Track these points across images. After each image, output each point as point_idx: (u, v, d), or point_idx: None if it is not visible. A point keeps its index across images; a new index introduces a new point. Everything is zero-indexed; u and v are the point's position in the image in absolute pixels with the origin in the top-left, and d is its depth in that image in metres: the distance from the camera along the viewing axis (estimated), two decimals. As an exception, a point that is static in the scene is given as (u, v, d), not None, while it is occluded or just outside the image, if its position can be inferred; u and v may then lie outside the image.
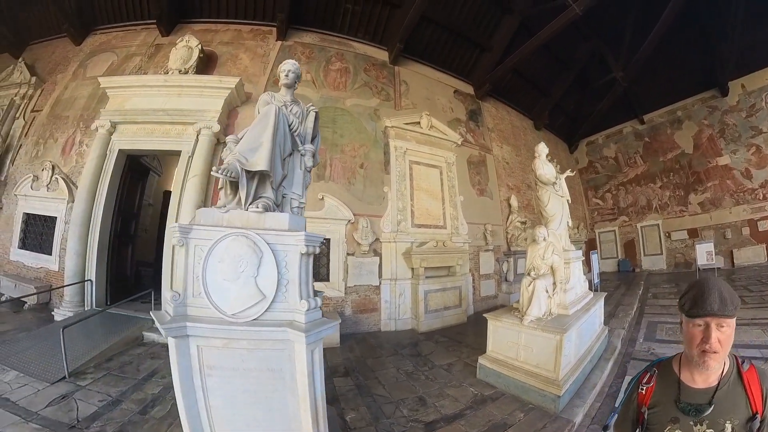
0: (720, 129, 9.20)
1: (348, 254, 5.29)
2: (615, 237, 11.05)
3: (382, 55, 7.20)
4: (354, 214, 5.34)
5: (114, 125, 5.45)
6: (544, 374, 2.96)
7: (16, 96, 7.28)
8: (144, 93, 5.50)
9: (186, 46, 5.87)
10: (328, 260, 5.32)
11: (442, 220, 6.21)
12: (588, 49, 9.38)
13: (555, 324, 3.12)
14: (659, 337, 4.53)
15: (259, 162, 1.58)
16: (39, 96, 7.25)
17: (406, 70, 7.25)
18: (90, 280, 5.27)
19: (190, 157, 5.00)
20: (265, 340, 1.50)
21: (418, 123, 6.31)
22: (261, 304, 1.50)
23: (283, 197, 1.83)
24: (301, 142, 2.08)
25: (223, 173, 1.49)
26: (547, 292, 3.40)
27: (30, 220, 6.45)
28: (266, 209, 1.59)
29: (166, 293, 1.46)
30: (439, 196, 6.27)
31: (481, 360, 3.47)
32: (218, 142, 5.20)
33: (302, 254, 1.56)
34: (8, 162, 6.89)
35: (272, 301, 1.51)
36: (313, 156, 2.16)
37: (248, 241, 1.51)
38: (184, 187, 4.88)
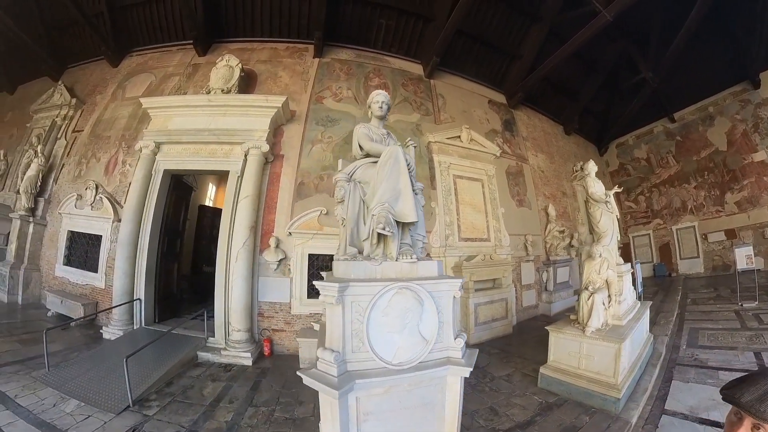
0: (753, 123, 8.89)
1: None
2: (649, 241, 10.69)
3: (417, 69, 7.26)
4: None
5: (158, 145, 5.53)
6: (605, 380, 3.22)
7: (57, 117, 7.55)
8: (187, 113, 5.59)
9: (227, 65, 5.99)
10: None
11: (486, 233, 6.16)
12: (615, 51, 9.26)
13: (613, 334, 3.40)
14: (702, 344, 4.56)
15: (409, 213, 1.59)
16: (79, 117, 7.48)
17: (441, 83, 7.28)
18: (139, 299, 5.32)
19: (239, 177, 5.05)
20: (425, 379, 1.55)
21: (459, 137, 6.33)
22: (424, 348, 1.54)
23: (410, 237, 1.82)
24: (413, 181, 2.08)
25: (388, 230, 1.49)
26: (603, 304, 3.62)
27: (74, 237, 6.59)
28: (418, 258, 1.60)
29: (324, 354, 1.39)
30: (482, 209, 6.24)
31: (543, 370, 3.67)
32: (266, 162, 5.29)
33: (454, 297, 1.57)
34: (51, 181, 7.10)
35: (433, 340, 1.54)
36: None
37: (412, 293, 1.53)
38: (235, 208, 4.91)
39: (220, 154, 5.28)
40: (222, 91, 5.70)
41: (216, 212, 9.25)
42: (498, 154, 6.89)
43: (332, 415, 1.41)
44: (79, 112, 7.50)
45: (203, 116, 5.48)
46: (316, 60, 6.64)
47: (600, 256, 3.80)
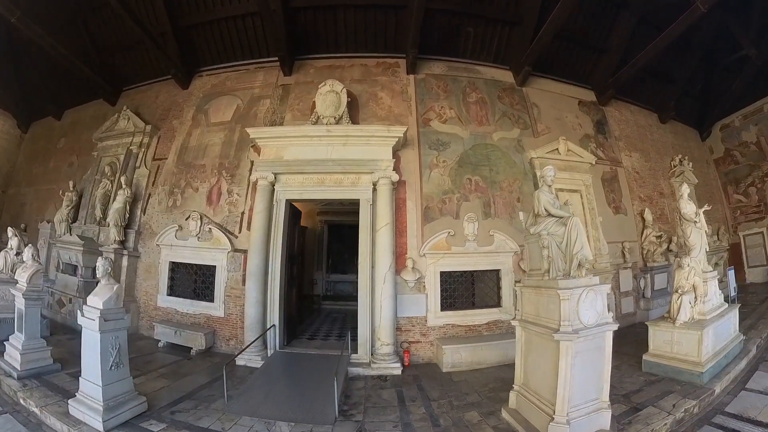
0: None
1: (515, 281, 8.21)
2: (763, 240, 12.39)
3: (507, 76, 10.02)
4: (519, 246, 8.09)
5: (275, 176, 8.43)
6: (691, 359, 5.91)
7: (131, 145, 10.46)
8: (304, 143, 8.36)
9: (331, 90, 8.79)
10: (499, 287, 8.24)
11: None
12: (712, 23, 11.96)
13: (697, 325, 6.15)
14: (796, 348, 6.97)
15: (590, 256, 4.64)
16: (157, 144, 10.42)
17: (533, 90, 10.05)
18: (274, 325, 8.22)
19: (371, 205, 7.86)
20: (598, 333, 4.49)
21: (557, 149, 9.04)
22: (597, 317, 4.48)
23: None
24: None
25: (586, 265, 4.57)
26: (690, 303, 6.45)
27: (175, 268, 9.59)
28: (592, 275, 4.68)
29: (564, 323, 4.22)
30: (582, 220, 9.05)
31: (645, 356, 6.53)
32: (393, 187, 8.06)
33: (607, 293, 4.66)
34: (138, 212, 10.02)
35: (601, 315, 4.53)
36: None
37: (593, 292, 4.49)
38: (373, 235, 7.69)
39: (347, 183, 8.09)
40: (334, 118, 8.53)
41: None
42: (594, 162, 9.64)
43: (566, 352, 4.18)
44: (156, 139, 10.44)
45: (321, 146, 8.24)
46: (411, 77, 9.44)
47: (688, 266, 6.58)
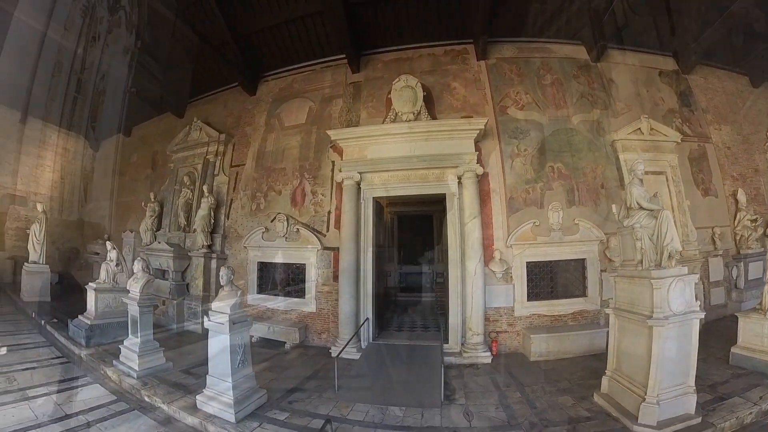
0: None
1: (601, 270, 9.25)
2: None
3: (580, 52, 10.79)
4: (605, 234, 9.12)
5: (361, 175, 9.83)
6: None
7: (207, 154, 12.24)
8: (386, 141, 9.67)
9: (406, 86, 9.95)
10: (584, 277, 9.36)
11: (674, 228, 9.98)
12: None
13: None
14: None
15: (679, 247, 5.59)
16: (233, 151, 12.16)
17: (608, 65, 10.77)
18: (368, 318, 9.82)
19: (457, 198, 9.16)
20: (686, 320, 5.48)
21: (639, 129, 9.81)
22: (686, 305, 5.49)
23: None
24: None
25: (676, 256, 5.64)
26: None
27: (263, 267, 11.34)
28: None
29: (656, 309, 5.24)
30: (668, 205, 9.47)
31: (733, 349, 7.17)
32: (477, 180, 9.25)
33: (695, 282, 5.67)
34: (222, 217, 11.85)
35: (689, 303, 5.50)
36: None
37: (682, 281, 5.48)
38: (462, 228, 8.99)
39: (432, 178, 9.39)
40: (413, 114, 9.73)
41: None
42: (679, 140, 10.28)
43: (659, 336, 5.23)
44: (231, 146, 12.13)
45: (403, 143, 9.53)
46: (482, 63, 10.46)
47: None
